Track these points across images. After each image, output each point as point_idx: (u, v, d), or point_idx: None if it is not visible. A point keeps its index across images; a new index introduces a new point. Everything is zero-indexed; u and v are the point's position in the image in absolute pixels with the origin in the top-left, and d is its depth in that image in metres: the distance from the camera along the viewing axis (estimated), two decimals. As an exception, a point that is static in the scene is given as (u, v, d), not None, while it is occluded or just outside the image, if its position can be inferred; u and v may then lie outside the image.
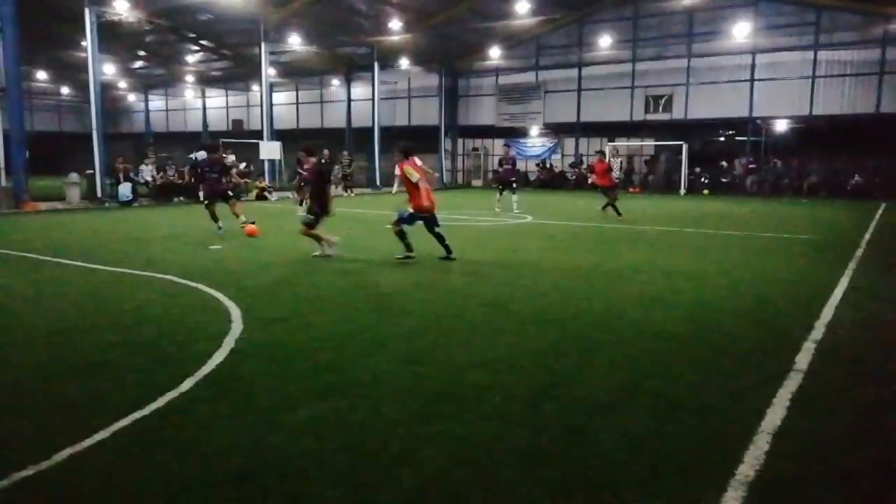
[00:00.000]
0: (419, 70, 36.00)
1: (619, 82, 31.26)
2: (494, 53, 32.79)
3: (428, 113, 37.13)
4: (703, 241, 12.10)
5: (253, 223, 12.11)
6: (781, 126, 28.85)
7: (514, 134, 35.01)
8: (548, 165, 34.24)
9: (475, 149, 38.58)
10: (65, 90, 46.08)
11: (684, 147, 28.27)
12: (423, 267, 8.94)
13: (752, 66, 27.91)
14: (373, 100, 33.28)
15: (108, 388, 4.20)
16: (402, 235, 9.35)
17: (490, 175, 37.03)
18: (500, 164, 19.70)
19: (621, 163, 31.60)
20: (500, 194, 18.26)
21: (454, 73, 36.34)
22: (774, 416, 3.76)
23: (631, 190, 29.40)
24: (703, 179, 29.40)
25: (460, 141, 38.30)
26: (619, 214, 15.67)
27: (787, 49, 27.06)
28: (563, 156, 34.43)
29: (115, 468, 3.12)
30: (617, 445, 3.40)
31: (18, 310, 6.42)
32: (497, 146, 37.82)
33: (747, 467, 3.14)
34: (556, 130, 34.31)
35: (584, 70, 32.15)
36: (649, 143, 31.82)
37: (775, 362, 4.75)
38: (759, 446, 3.37)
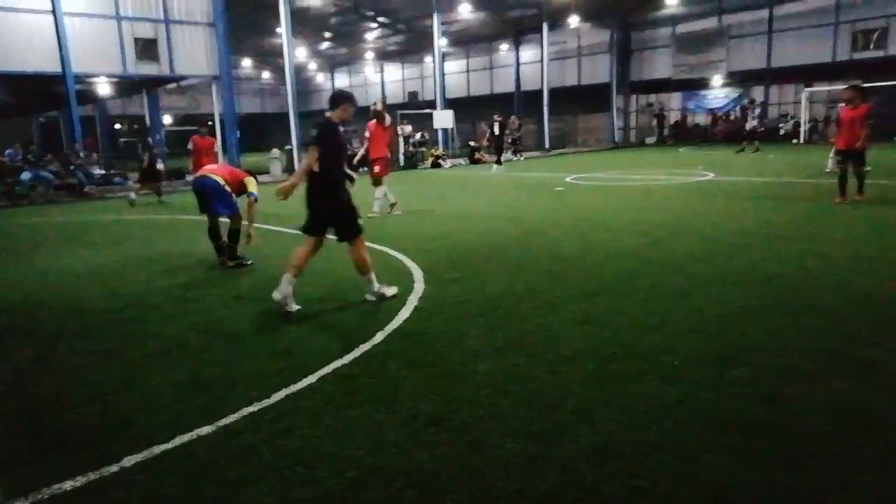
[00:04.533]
0: (589, 27, 34.76)
1: (818, 19, 27.80)
2: (671, 0, 30.65)
3: (598, 71, 35.85)
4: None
5: None
6: None
7: (692, 86, 32.65)
8: (731, 117, 31.63)
9: (649, 104, 36.61)
10: (265, 74, 50.87)
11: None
12: (591, 232, 8.81)
13: None
14: (542, 61, 32.80)
15: (313, 338, 4.74)
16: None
17: (667, 132, 34.90)
18: None
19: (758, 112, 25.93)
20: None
21: (626, 26, 34.60)
22: None
23: (831, 140, 25.93)
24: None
25: (633, 97, 36.55)
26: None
27: None
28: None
29: (324, 409, 3.53)
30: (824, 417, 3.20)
31: (258, 266, 7.36)
32: (674, 100, 35.53)
33: None
34: (741, 79, 31.44)
35: (777, 9, 28.96)
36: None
37: None
38: None
